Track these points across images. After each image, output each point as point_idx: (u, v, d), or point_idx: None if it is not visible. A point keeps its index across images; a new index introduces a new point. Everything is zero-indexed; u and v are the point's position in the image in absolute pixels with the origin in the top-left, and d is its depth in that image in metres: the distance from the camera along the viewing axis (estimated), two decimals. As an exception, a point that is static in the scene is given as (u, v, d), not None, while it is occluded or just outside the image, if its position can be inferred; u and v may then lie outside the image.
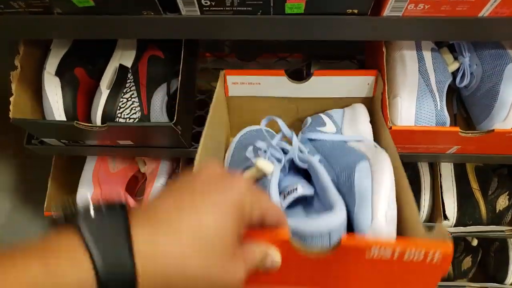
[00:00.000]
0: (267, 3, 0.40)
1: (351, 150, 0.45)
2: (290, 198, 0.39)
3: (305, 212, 0.42)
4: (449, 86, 0.57)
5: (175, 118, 0.52)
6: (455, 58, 0.58)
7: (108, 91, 0.55)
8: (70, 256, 0.20)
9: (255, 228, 0.27)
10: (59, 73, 0.55)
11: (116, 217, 0.22)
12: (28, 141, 0.61)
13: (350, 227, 0.36)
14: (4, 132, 0.65)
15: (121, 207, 0.23)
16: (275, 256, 0.29)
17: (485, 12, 0.42)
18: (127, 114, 0.56)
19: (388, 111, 0.53)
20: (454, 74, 0.59)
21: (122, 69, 0.57)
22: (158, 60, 0.58)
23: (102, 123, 0.55)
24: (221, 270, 0.24)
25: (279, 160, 0.43)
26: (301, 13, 0.42)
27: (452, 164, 0.74)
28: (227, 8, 0.41)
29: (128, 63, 0.57)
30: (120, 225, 0.22)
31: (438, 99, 0.55)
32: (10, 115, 0.51)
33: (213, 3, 0.40)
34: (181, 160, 0.74)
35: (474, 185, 0.73)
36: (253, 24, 0.43)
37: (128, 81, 0.56)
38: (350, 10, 0.42)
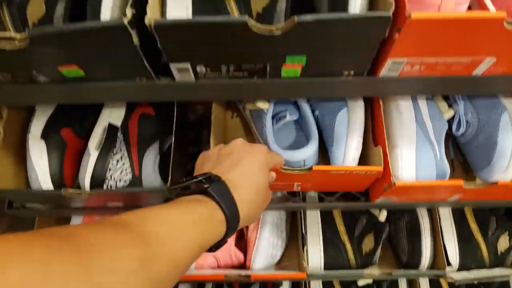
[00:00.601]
0: (264, 68, 0.39)
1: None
2: (281, 123, 0.59)
3: (294, 125, 0.62)
4: (445, 132, 0.57)
5: (169, 180, 0.49)
6: (450, 106, 0.58)
7: (97, 152, 0.53)
8: (212, 205, 0.34)
9: None
10: (44, 135, 0.52)
11: (221, 184, 0.36)
12: (9, 205, 0.57)
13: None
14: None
15: (218, 178, 0.36)
16: (273, 173, 0.46)
17: (479, 71, 0.42)
18: (118, 176, 0.53)
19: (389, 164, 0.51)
20: (450, 121, 0.59)
21: (111, 128, 0.54)
22: (149, 118, 0.56)
23: (91, 186, 0.52)
24: (267, 200, 0.41)
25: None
26: (297, 77, 0.41)
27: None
28: (222, 75, 0.39)
29: (118, 122, 0.55)
30: (225, 188, 0.35)
31: (437, 149, 0.54)
32: (-7, 186, 0.48)
33: (209, 70, 0.39)
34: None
35: (473, 226, 0.72)
36: (248, 87, 0.42)
37: (118, 140, 0.54)
38: (347, 72, 0.41)
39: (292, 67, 0.39)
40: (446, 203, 0.61)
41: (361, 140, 0.54)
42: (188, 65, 0.38)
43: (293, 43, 0.35)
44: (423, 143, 0.54)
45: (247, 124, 0.66)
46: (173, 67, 0.38)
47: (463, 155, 0.62)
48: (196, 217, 0.31)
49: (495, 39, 0.37)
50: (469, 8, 0.43)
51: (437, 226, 0.70)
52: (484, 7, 0.42)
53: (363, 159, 0.56)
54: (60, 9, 0.39)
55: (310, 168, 0.51)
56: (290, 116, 0.59)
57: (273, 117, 0.59)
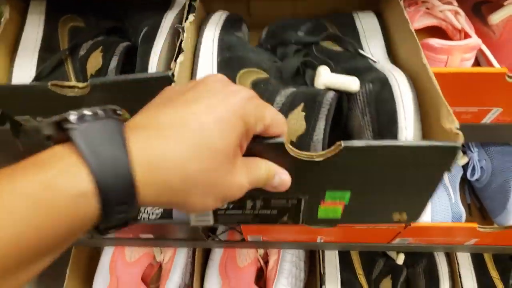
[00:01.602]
0: (297, 205, 0.33)
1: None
2: None
3: None
4: (461, 177, 0.59)
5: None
6: (464, 152, 0.61)
7: (133, 187, 0.57)
8: (66, 167, 0.19)
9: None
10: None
11: (110, 124, 0.20)
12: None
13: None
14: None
15: (113, 112, 0.21)
16: (282, 174, 0.28)
17: (488, 119, 0.45)
18: (150, 209, 0.57)
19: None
20: (464, 167, 0.61)
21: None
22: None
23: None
24: (222, 176, 0.23)
25: None
26: (336, 219, 0.35)
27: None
28: (246, 212, 0.35)
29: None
30: (115, 132, 0.20)
31: (452, 193, 0.56)
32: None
33: (231, 206, 0.34)
34: (197, 250, 0.74)
35: (494, 274, 0.71)
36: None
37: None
38: (398, 216, 0.35)
39: (333, 205, 0.33)
40: (464, 248, 0.61)
41: None
42: None
43: (336, 175, 0.29)
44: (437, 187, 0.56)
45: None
46: None
47: (480, 200, 0.63)
48: (30, 191, 0.18)
49: (499, 91, 0.40)
50: (478, 64, 0.47)
51: (456, 272, 0.70)
52: (490, 64, 0.45)
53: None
54: (113, 63, 0.45)
55: (335, 224, 0.45)
56: None
57: None
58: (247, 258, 0.72)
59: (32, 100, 0.43)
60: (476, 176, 0.59)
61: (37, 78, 0.44)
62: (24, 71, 0.46)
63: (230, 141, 0.23)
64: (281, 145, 0.27)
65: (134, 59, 0.47)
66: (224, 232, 0.66)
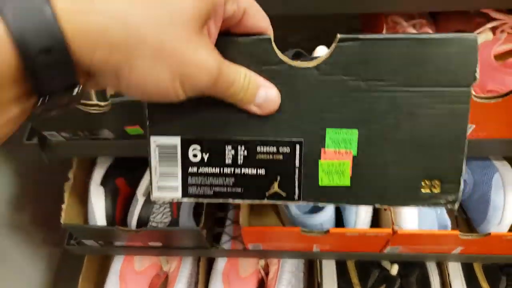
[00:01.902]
0: None
1: None
2: None
3: None
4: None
5: (202, 223, 0.58)
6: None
7: (144, 198, 0.62)
8: None
9: (235, 30, 0.24)
10: (103, 183, 0.62)
11: None
12: (67, 242, 0.67)
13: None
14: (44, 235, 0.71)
15: None
16: (269, 87, 0.25)
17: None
18: (159, 219, 0.62)
19: (392, 214, 0.58)
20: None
21: (156, 178, 0.64)
22: (188, 171, 0.66)
23: (137, 226, 0.61)
24: (178, 43, 0.19)
25: None
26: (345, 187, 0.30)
27: (459, 263, 0.76)
28: (225, 171, 0.30)
29: (162, 173, 0.65)
30: None
31: (437, 204, 0.60)
32: (62, 221, 0.57)
33: (206, 157, 0.29)
34: (202, 259, 0.78)
35: (484, 285, 0.74)
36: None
37: (162, 189, 0.64)
38: None
39: (338, 158, 0.28)
40: (452, 256, 0.65)
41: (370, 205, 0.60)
42: None
43: (337, 96, 0.26)
44: (424, 198, 0.60)
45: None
46: None
47: (465, 212, 0.67)
48: None
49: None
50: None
51: (447, 282, 0.73)
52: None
53: (376, 223, 0.62)
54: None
55: (328, 231, 0.56)
56: None
57: None
58: (249, 268, 0.76)
59: (59, 118, 0.48)
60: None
61: (63, 98, 0.50)
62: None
63: (190, 5, 0.19)
64: (267, 41, 0.25)
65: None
66: (227, 241, 0.70)
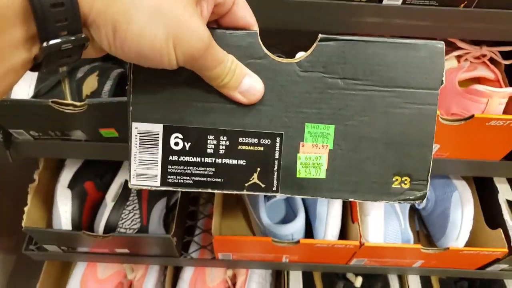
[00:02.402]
0: None
1: None
2: (272, 200, 0.66)
3: (284, 202, 0.69)
4: (410, 207, 0.66)
5: (173, 230, 0.57)
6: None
7: (113, 203, 0.61)
8: None
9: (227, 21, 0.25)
10: (71, 186, 0.60)
11: None
12: (26, 247, 0.63)
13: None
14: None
15: None
16: (254, 78, 0.26)
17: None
18: (128, 225, 0.60)
19: (360, 227, 0.60)
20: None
21: (127, 184, 0.63)
22: (160, 177, 0.65)
23: (104, 232, 0.59)
24: (174, 6, 0.20)
25: None
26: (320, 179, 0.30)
27: (418, 276, 0.79)
28: (206, 160, 0.29)
29: (133, 179, 0.64)
30: None
31: (402, 219, 0.63)
32: (23, 224, 0.54)
33: (187, 145, 0.29)
34: (169, 268, 0.76)
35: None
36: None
37: (132, 195, 0.62)
38: None
39: (315, 152, 0.29)
40: (413, 270, 0.68)
41: (339, 218, 0.62)
42: None
43: (316, 92, 0.28)
44: (389, 213, 0.63)
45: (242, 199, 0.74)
46: None
47: (426, 228, 0.70)
48: None
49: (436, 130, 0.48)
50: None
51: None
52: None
53: (344, 235, 0.64)
54: (107, 86, 0.50)
55: (298, 242, 0.57)
56: (280, 196, 0.65)
57: (265, 195, 0.66)
58: (216, 278, 0.75)
59: (29, 116, 0.47)
60: (422, 205, 0.67)
61: (35, 95, 0.49)
62: (23, 89, 0.50)
63: None
64: (254, 36, 0.26)
65: (124, 83, 0.52)
66: (196, 250, 0.69)
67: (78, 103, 0.44)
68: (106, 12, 0.19)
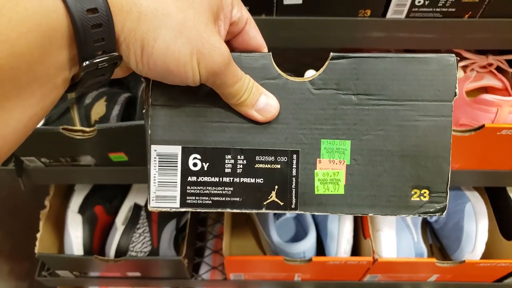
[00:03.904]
0: None
1: None
2: (282, 218, 0.65)
3: (294, 220, 0.67)
4: (422, 219, 0.64)
5: (184, 252, 0.55)
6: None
7: (123, 227, 0.59)
8: None
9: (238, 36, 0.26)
10: (81, 211, 0.59)
11: None
12: (39, 273, 0.62)
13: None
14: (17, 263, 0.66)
15: None
16: (270, 96, 0.26)
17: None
18: (139, 248, 0.59)
19: (372, 243, 0.58)
20: (424, 209, 0.66)
21: (136, 207, 0.62)
22: (169, 198, 0.64)
23: (115, 256, 0.57)
24: (197, 23, 0.21)
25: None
26: (339, 195, 0.30)
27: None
28: (225, 180, 0.29)
29: (142, 202, 0.63)
30: None
31: (414, 233, 0.61)
32: (36, 250, 0.53)
33: (206, 166, 0.29)
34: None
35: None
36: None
37: (142, 218, 0.61)
38: None
39: (332, 168, 0.29)
40: (428, 285, 0.65)
41: (351, 234, 0.61)
42: None
43: (330, 109, 0.28)
44: (401, 227, 0.61)
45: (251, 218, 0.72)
46: None
47: (439, 240, 0.68)
48: None
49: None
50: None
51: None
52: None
53: (356, 252, 0.62)
54: (115, 111, 0.50)
55: (310, 259, 0.55)
56: (290, 214, 0.65)
57: (274, 213, 0.65)
58: (227, 299, 0.73)
59: (40, 143, 0.46)
60: (434, 218, 0.64)
61: (46, 123, 0.48)
62: (33, 117, 0.50)
63: (205, 5, 0.22)
64: (268, 57, 0.26)
65: (132, 108, 0.52)
66: (207, 271, 0.68)
67: (87, 129, 0.44)
68: (136, 30, 0.20)
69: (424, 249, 0.60)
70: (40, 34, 0.17)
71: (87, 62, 0.20)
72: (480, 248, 0.58)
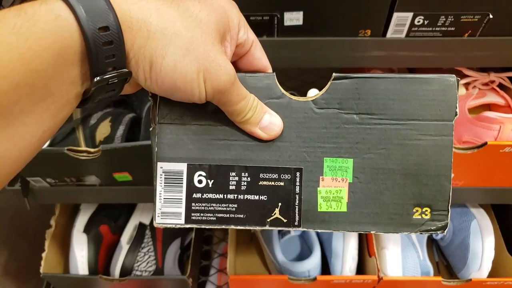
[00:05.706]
0: None
1: None
2: (286, 237, 0.63)
3: (299, 238, 0.66)
4: (428, 237, 0.62)
5: (188, 271, 0.54)
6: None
7: (128, 246, 0.58)
8: (47, 6, 0.18)
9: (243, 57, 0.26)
10: (86, 230, 0.58)
11: None
12: (44, 293, 0.61)
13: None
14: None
15: None
16: (273, 115, 0.26)
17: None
18: (144, 267, 0.57)
19: (377, 261, 0.56)
20: (429, 226, 0.64)
21: (141, 226, 0.61)
22: (174, 217, 0.63)
23: (120, 275, 0.56)
24: (204, 42, 0.21)
25: None
26: (342, 213, 0.30)
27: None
28: (229, 197, 0.29)
29: (147, 221, 0.62)
30: None
31: (420, 251, 0.59)
32: (41, 270, 0.52)
33: (210, 183, 0.29)
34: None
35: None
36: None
37: (146, 236, 0.60)
38: None
39: (335, 185, 0.29)
40: (435, 303, 0.63)
41: (356, 252, 0.59)
42: None
43: (333, 128, 0.28)
44: (406, 245, 0.59)
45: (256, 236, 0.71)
46: None
47: (446, 258, 0.66)
48: (9, 21, 0.17)
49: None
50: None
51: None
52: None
53: (361, 270, 0.60)
54: (120, 131, 0.50)
55: (315, 278, 0.53)
56: (294, 232, 0.64)
57: (279, 232, 0.64)
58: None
59: (46, 163, 0.46)
60: (440, 236, 0.63)
61: (51, 144, 0.48)
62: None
63: (213, 19, 0.22)
64: (272, 78, 0.27)
65: (137, 128, 0.51)
66: (212, 290, 0.66)
67: (92, 150, 0.43)
68: (145, 48, 0.20)
69: (430, 267, 0.58)
70: (55, 52, 0.18)
71: (98, 78, 0.20)
72: (487, 266, 0.56)
